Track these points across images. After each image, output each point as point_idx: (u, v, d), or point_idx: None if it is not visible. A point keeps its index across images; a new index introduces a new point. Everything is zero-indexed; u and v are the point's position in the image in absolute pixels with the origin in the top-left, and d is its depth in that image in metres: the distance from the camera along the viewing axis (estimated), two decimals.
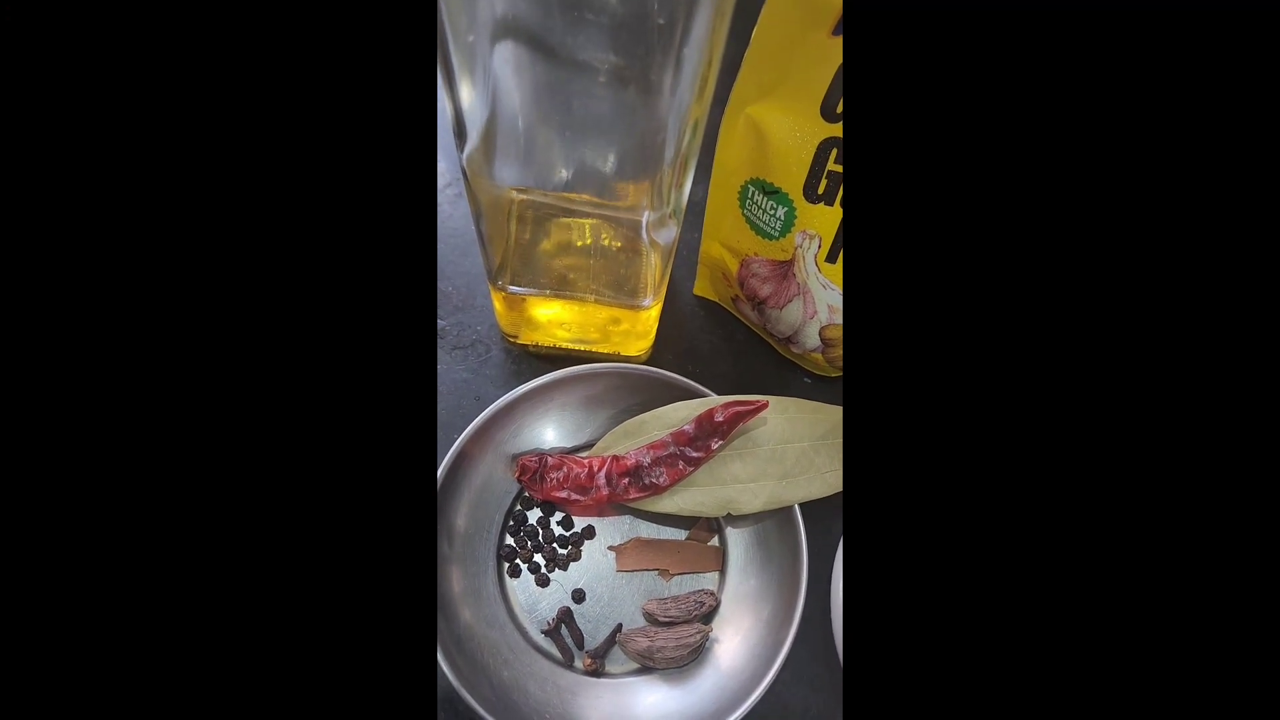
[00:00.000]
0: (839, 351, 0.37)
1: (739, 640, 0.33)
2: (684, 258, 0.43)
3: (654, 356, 0.41)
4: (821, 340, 0.36)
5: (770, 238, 0.34)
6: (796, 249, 0.34)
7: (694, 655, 0.33)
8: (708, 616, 0.34)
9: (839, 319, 0.35)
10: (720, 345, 0.42)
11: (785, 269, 0.35)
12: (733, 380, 0.41)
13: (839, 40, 0.27)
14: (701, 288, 0.43)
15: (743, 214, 0.35)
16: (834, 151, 0.30)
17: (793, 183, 0.32)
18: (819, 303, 0.35)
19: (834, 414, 0.35)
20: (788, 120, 0.30)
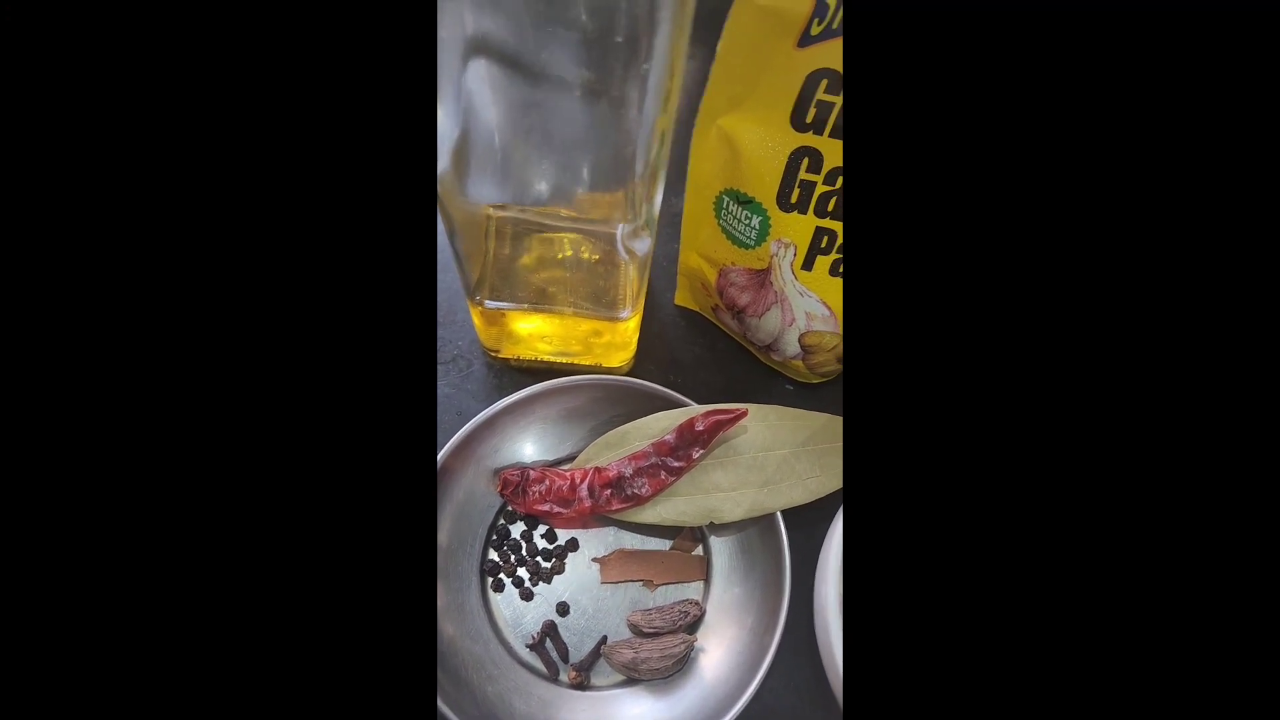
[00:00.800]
0: (819, 358, 0.37)
1: (724, 649, 0.33)
2: (664, 269, 0.44)
3: (637, 367, 0.41)
4: (801, 347, 0.37)
5: (746, 247, 0.35)
6: (772, 257, 0.34)
7: (679, 666, 0.33)
8: (693, 626, 0.34)
9: (817, 325, 0.35)
10: (703, 355, 0.42)
11: (762, 277, 0.35)
12: (716, 389, 0.41)
13: (805, 51, 0.27)
14: (682, 298, 0.43)
15: (719, 224, 0.35)
16: (805, 160, 0.30)
17: (766, 192, 0.32)
18: (797, 310, 0.35)
19: (814, 420, 0.35)
20: (758, 131, 0.30)
